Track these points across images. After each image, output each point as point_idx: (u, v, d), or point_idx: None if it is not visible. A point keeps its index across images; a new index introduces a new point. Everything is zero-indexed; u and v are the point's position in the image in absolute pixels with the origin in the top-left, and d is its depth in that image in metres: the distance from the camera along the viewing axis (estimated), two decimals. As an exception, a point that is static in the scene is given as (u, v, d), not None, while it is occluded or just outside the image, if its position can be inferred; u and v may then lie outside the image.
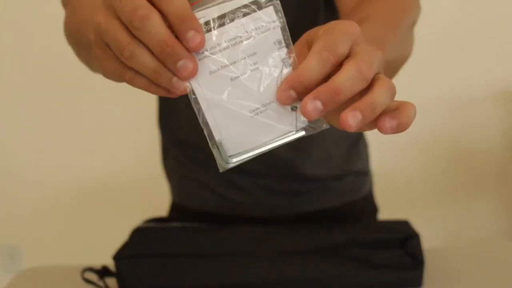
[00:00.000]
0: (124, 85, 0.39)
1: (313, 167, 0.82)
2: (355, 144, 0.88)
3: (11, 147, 1.92)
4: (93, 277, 0.72)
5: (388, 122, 0.35)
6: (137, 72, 0.36)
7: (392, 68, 0.55)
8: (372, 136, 0.84)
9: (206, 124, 0.37)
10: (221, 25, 0.35)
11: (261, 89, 0.36)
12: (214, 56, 0.35)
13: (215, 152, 0.38)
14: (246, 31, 0.35)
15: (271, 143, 0.38)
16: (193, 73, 0.35)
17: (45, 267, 0.82)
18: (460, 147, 1.88)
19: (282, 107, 0.37)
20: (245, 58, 0.36)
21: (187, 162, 0.86)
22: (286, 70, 0.36)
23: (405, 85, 0.58)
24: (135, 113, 1.81)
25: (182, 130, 0.85)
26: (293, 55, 0.36)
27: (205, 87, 0.36)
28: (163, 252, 0.69)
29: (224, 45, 0.35)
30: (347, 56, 0.36)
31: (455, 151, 1.89)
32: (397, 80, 0.47)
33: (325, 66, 0.34)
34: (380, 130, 0.36)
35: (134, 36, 0.34)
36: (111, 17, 0.35)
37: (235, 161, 0.38)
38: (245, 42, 0.36)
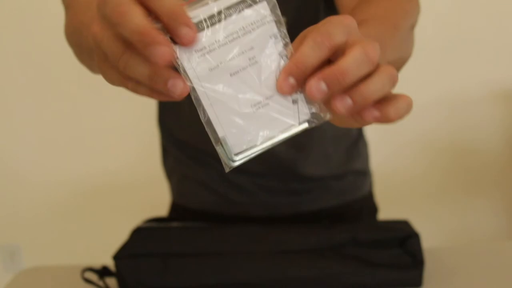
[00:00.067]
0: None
1: (313, 167, 0.82)
2: (355, 143, 0.88)
3: (11, 147, 1.92)
4: (93, 277, 0.72)
5: (370, 111, 0.35)
6: (137, 81, 0.36)
7: None
8: (372, 136, 0.84)
9: (209, 122, 0.37)
10: (219, 21, 0.36)
11: (261, 82, 0.37)
12: (213, 53, 0.36)
13: (219, 150, 0.37)
14: (243, 27, 0.36)
15: (274, 137, 0.38)
16: (170, 57, 0.32)
17: (45, 267, 0.82)
18: (460, 146, 1.89)
19: (283, 100, 0.37)
20: (243, 53, 0.36)
21: (187, 162, 0.86)
22: (284, 63, 0.37)
23: (405, 85, 0.58)
24: (135, 113, 1.81)
25: (182, 130, 0.85)
26: (289, 48, 0.37)
27: (206, 84, 0.36)
28: (163, 252, 0.70)
29: (222, 41, 0.36)
30: (347, 47, 0.35)
31: (455, 151, 1.89)
32: (397, 80, 0.47)
33: (319, 50, 0.34)
34: (363, 118, 0.35)
35: (128, 46, 0.34)
36: (105, 28, 0.34)
37: (240, 157, 0.38)
38: (242, 38, 0.36)
